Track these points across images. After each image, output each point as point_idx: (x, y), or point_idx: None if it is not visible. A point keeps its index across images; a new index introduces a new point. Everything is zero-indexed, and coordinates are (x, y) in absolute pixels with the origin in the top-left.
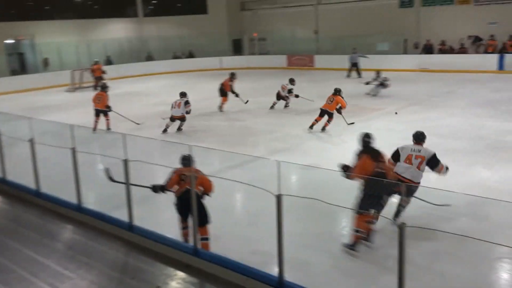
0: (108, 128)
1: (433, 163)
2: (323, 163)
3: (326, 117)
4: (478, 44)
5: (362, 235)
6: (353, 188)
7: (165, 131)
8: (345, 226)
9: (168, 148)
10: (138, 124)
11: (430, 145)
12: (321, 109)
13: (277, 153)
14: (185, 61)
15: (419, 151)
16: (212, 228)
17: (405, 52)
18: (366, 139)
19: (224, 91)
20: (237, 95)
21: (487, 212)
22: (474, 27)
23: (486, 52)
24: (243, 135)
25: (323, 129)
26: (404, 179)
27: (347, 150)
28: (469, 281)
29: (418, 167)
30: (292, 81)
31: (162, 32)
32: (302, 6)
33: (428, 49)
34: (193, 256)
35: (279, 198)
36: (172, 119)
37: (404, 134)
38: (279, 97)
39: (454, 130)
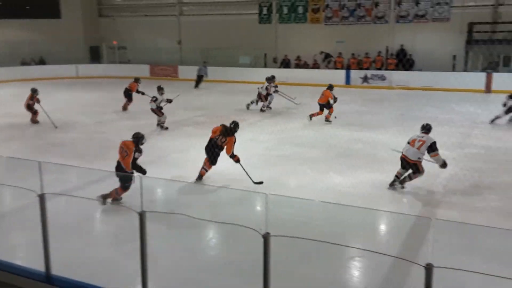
0: None
1: (430, 148)
2: (188, 175)
3: (325, 111)
4: (328, 60)
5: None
6: (221, 202)
7: None
8: (212, 237)
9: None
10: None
11: (291, 154)
12: (318, 103)
13: None
14: (35, 68)
15: (422, 137)
16: (69, 251)
17: (265, 65)
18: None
19: (129, 93)
20: (143, 93)
21: (341, 216)
22: (325, 45)
23: (335, 68)
24: (103, 148)
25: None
26: (402, 155)
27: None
28: (326, 282)
29: (418, 148)
30: (160, 89)
31: (8, 36)
32: (164, 16)
33: (286, 64)
34: (45, 284)
35: (142, 215)
36: None
37: (267, 145)
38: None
39: (310, 139)
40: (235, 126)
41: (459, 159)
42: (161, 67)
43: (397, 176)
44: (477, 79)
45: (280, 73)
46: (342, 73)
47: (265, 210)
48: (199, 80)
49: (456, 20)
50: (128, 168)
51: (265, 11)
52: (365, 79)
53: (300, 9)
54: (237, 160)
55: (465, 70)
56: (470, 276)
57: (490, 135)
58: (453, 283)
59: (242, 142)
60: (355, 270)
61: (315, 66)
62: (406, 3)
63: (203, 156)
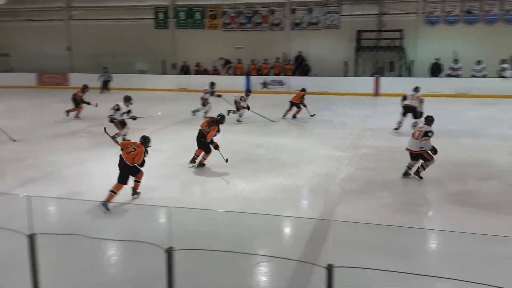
0: None
1: (423, 134)
2: (84, 191)
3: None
4: (228, 66)
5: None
6: (122, 218)
7: None
8: (113, 256)
9: None
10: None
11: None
12: (289, 101)
13: (29, 184)
14: None
15: (422, 127)
16: None
17: (164, 72)
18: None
19: (77, 101)
20: (88, 103)
21: (246, 222)
22: (224, 51)
23: (235, 73)
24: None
25: (294, 116)
26: (407, 149)
27: (108, 175)
28: None
29: (417, 138)
30: (128, 99)
31: None
32: (51, 21)
33: (185, 70)
34: None
35: (31, 238)
36: None
37: (169, 153)
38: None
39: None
40: (221, 118)
41: (354, 160)
42: (49, 75)
43: (408, 167)
44: (367, 83)
45: (180, 80)
46: (242, 79)
47: (168, 224)
48: (105, 85)
49: (346, 28)
50: (132, 163)
51: (161, 16)
52: (265, 84)
53: (198, 15)
54: (215, 146)
55: (355, 75)
56: (371, 273)
57: (381, 136)
58: (354, 281)
59: None
60: (262, 275)
61: (215, 72)
62: (300, 11)
63: (99, 169)
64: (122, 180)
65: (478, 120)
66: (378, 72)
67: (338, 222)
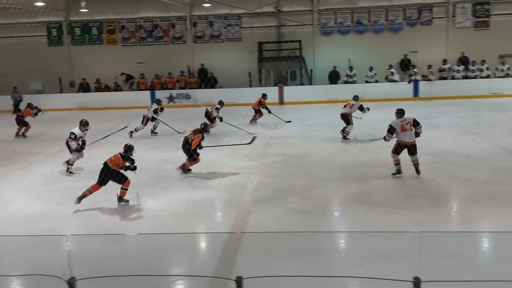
0: None
1: (415, 123)
2: None
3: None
4: (131, 82)
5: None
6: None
7: None
8: None
9: None
10: None
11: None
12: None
13: None
14: None
15: (405, 119)
16: None
17: (61, 91)
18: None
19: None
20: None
21: (156, 242)
22: (125, 66)
23: (139, 89)
24: None
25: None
26: (407, 143)
27: None
28: None
29: (410, 129)
30: (85, 124)
31: None
32: None
33: (84, 88)
34: None
35: None
36: None
37: (70, 177)
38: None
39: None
40: (204, 126)
41: (263, 168)
42: None
43: (398, 164)
44: (271, 93)
45: (79, 98)
46: (146, 94)
47: (67, 253)
48: (17, 106)
49: (247, 40)
50: (116, 167)
51: (54, 32)
52: (171, 98)
53: (94, 30)
54: (194, 150)
55: (260, 86)
56: (282, 280)
57: (287, 143)
58: None
59: (42, 175)
60: None
61: (118, 88)
62: (201, 24)
63: None
64: (101, 181)
65: (374, 122)
66: (281, 82)
67: (248, 234)
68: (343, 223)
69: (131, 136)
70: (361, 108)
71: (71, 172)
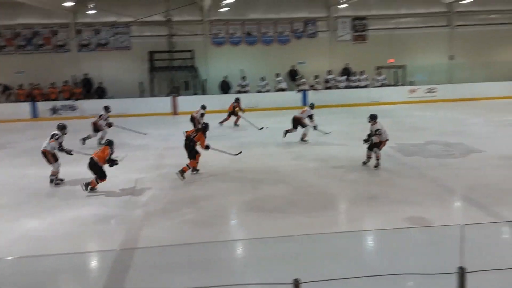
0: None
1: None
2: None
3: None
4: (8, 93)
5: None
6: None
7: None
8: None
9: None
10: None
11: None
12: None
13: None
14: None
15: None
16: None
17: None
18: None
19: None
20: None
21: (39, 265)
22: (1, 76)
23: (17, 100)
24: None
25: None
26: (385, 141)
27: None
28: None
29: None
30: (62, 128)
31: None
32: None
33: None
34: None
35: None
36: None
37: None
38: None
39: None
40: (205, 126)
41: (156, 180)
42: None
43: (369, 157)
44: (164, 103)
45: None
46: (26, 106)
47: None
48: None
49: (137, 49)
50: (102, 162)
51: None
52: (55, 110)
53: None
54: (207, 147)
55: (152, 96)
56: None
57: (181, 154)
58: None
59: None
60: None
61: None
62: (86, 32)
63: None
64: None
65: (266, 131)
66: (174, 92)
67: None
68: (238, 232)
69: (84, 142)
70: (310, 117)
71: (61, 180)
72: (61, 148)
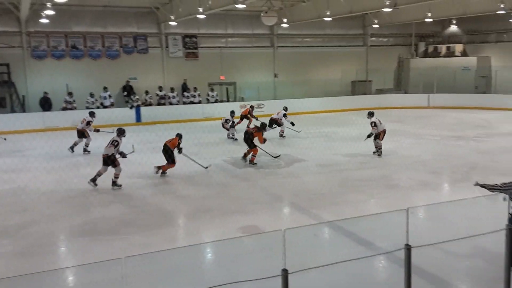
0: None
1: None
2: None
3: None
4: None
5: None
6: None
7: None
8: None
9: None
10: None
11: None
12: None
13: None
14: None
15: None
16: None
17: None
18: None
19: None
20: None
21: None
22: None
23: None
24: None
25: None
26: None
27: None
28: None
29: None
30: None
31: None
32: None
33: None
34: None
35: None
36: None
37: None
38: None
39: None
40: (264, 125)
41: None
42: None
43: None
44: None
45: None
46: None
47: None
48: None
49: None
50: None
51: None
52: None
53: None
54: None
55: None
56: None
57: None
58: None
59: None
60: None
61: None
62: None
63: None
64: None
65: (97, 148)
66: None
67: None
68: (65, 260)
69: (72, 150)
70: (285, 116)
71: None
72: (119, 153)
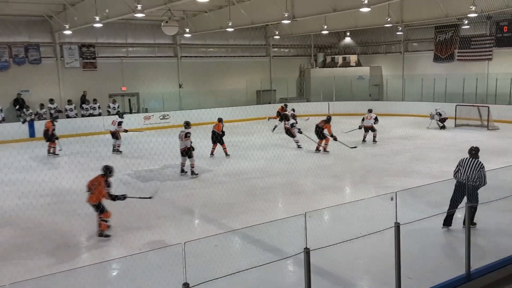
0: None
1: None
2: None
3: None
4: None
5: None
6: None
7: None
8: None
9: None
10: None
11: None
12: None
13: None
14: None
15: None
16: None
17: None
18: None
19: None
20: None
21: None
22: None
23: None
24: None
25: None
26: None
27: None
28: None
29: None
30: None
31: None
32: None
33: None
34: None
35: None
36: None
37: None
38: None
39: None
40: (330, 118)
41: None
42: None
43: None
44: None
45: None
46: None
47: None
48: None
49: None
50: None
51: None
52: None
53: None
54: (334, 138)
55: None
56: None
57: None
58: None
59: None
60: None
61: None
62: None
63: None
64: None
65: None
66: None
67: None
68: None
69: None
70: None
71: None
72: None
